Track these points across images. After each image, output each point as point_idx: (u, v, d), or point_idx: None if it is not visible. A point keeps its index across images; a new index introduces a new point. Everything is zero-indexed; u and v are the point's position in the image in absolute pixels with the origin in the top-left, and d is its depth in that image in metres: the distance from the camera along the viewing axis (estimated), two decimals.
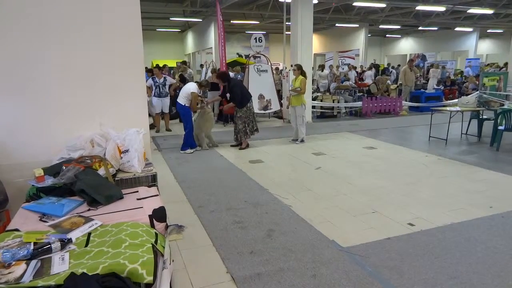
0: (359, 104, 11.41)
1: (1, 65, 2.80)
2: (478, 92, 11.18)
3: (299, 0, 9.62)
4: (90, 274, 1.57)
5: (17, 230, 2.00)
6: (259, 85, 9.94)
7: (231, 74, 11.62)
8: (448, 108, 7.76)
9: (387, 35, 27.51)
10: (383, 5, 13.78)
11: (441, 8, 14.23)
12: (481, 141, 7.59)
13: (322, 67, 15.61)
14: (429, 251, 3.13)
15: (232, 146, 7.34)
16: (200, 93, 7.00)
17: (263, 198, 4.44)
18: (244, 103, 7.00)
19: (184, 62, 13.17)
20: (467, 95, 11.56)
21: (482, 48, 25.58)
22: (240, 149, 7.16)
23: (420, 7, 13.87)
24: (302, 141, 7.61)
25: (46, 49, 2.90)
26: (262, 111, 10.24)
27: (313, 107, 10.80)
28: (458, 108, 7.50)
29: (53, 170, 2.66)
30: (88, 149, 2.93)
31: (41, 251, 1.75)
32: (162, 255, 2.00)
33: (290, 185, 4.98)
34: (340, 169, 5.72)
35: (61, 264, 1.70)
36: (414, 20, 18.35)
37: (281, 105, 10.51)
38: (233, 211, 4.06)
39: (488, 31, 23.00)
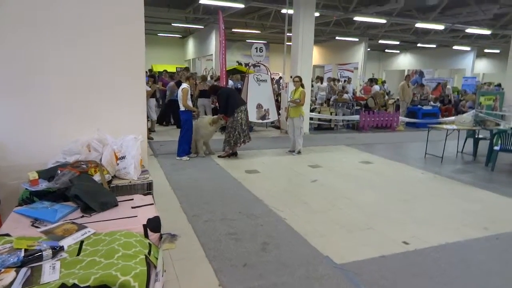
0: (356, 117, 11.46)
1: (0, 68, 2.78)
2: (474, 110, 11.28)
3: (301, 12, 9.71)
4: (81, 285, 1.53)
5: (8, 235, 1.95)
6: (258, 94, 9.97)
7: (230, 82, 11.68)
8: (444, 126, 7.80)
9: (386, 50, 27.78)
10: (383, 21, 13.93)
11: (440, 26, 14.42)
12: (476, 160, 7.63)
13: (320, 79, 15.69)
14: (423, 271, 3.11)
15: (219, 156, 7.20)
16: (191, 90, 7.01)
17: (258, 210, 4.41)
18: (228, 112, 6.94)
19: (186, 69, 13.22)
20: (463, 112, 11.66)
21: (479, 67, 25.89)
22: (219, 156, 7.13)
23: (419, 25, 14.06)
24: (299, 152, 7.61)
25: (46, 53, 2.88)
26: (260, 121, 10.25)
27: (311, 118, 10.84)
28: (454, 127, 7.55)
29: (47, 174, 2.62)
30: (84, 153, 2.89)
31: (31, 259, 1.71)
32: (155, 267, 1.97)
33: (286, 197, 4.96)
34: (336, 182, 5.71)
35: (51, 273, 1.65)
36: (413, 37, 18.57)
37: (278, 115, 10.54)
38: (227, 221, 4.02)
39: (485, 50, 23.31)
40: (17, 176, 2.73)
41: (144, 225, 2.20)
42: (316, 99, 14.25)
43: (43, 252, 1.75)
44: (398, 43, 21.90)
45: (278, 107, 10.73)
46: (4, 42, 2.77)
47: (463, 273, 3.10)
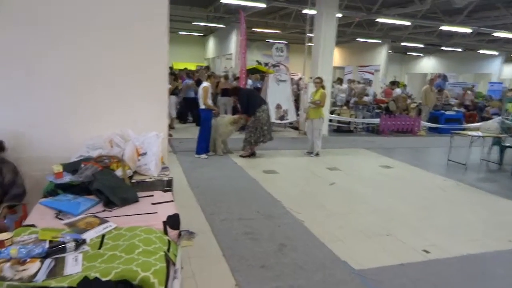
0: (376, 121, 11.28)
1: (26, 61, 2.84)
2: (500, 117, 10.92)
3: (323, 13, 9.61)
4: (103, 279, 1.55)
5: (33, 226, 1.99)
6: (277, 94, 9.94)
7: (249, 81, 11.69)
8: (469, 133, 7.58)
9: (408, 53, 27.22)
10: (407, 23, 13.65)
11: (467, 30, 14.02)
12: (501, 169, 7.38)
13: (340, 81, 15.52)
14: (444, 282, 3.02)
15: (240, 156, 7.22)
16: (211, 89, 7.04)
17: (276, 211, 4.39)
18: (250, 111, 6.96)
19: (207, 67, 13.31)
20: (487, 119, 11.32)
21: (507, 72, 25.04)
22: (240, 156, 7.14)
23: (444, 27, 13.71)
24: (317, 154, 7.54)
25: (72, 48, 2.92)
26: (278, 121, 10.21)
27: (330, 120, 10.73)
28: (480, 134, 7.32)
29: (71, 167, 2.66)
30: (107, 148, 2.93)
31: (55, 250, 1.74)
32: (174, 264, 1.97)
33: (304, 199, 4.92)
34: (354, 186, 5.62)
35: (74, 265, 1.68)
36: (437, 40, 18.14)
37: (297, 115, 10.48)
38: (244, 221, 4.02)
39: None
40: (41, 168, 2.78)
41: (164, 222, 2.21)
42: (335, 101, 14.10)
43: (67, 245, 1.78)
44: (421, 45, 21.42)
45: (297, 108, 10.68)
46: (31, 38, 2.83)
47: (485, 286, 3.00)
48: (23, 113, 2.91)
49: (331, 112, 10.95)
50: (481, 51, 20.94)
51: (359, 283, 2.91)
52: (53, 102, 2.97)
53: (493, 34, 14.66)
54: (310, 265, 3.14)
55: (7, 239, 1.72)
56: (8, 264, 1.58)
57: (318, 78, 7.55)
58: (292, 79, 13.34)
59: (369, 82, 16.07)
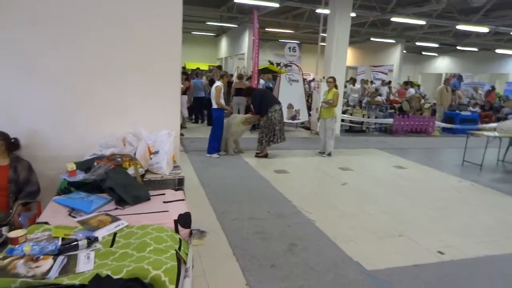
0: (389, 121, 11.13)
1: (42, 60, 2.89)
2: None
3: (337, 13, 9.53)
4: (114, 277, 1.56)
5: (47, 223, 2.02)
6: (289, 94, 9.91)
7: (262, 81, 11.68)
8: (485, 133, 7.40)
9: (422, 53, 26.78)
10: (422, 22, 13.43)
11: (484, 29, 13.71)
12: None
13: (353, 81, 15.38)
14: (460, 284, 2.96)
15: (256, 156, 7.24)
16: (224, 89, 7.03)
17: (287, 210, 4.36)
18: (262, 112, 6.94)
19: (219, 67, 13.35)
20: (503, 119, 11.05)
21: None
22: (255, 156, 7.13)
23: (461, 27, 13.43)
24: (329, 154, 7.48)
25: (85, 47, 2.96)
26: (290, 121, 10.17)
27: (342, 120, 10.63)
28: (496, 134, 7.14)
29: (84, 165, 2.69)
30: (119, 147, 2.96)
31: (68, 248, 1.75)
32: (185, 263, 1.97)
33: (315, 199, 4.88)
34: (367, 187, 5.55)
35: (86, 263, 1.69)
36: (453, 39, 17.80)
37: (309, 115, 10.42)
38: (255, 220, 4.00)
39: None
40: (56, 167, 2.82)
41: (175, 220, 2.21)
42: (348, 101, 13.99)
43: (79, 242, 1.79)
44: (436, 45, 21.05)
45: (309, 108, 10.62)
46: (46, 36, 2.87)
47: None
48: (37, 112, 2.96)
49: (343, 112, 10.86)
50: (498, 51, 20.46)
51: (371, 283, 2.87)
52: (67, 102, 3.01)
53: (511, 33, 14.31)
54: (321, 265, 3.11)
55: (21, 236, 1.74)
56: (21, 261, 1.60)
57: (331, 77, 7.49)
58: (304, 79, 13.27)
59: (383, 82, 15.88)
